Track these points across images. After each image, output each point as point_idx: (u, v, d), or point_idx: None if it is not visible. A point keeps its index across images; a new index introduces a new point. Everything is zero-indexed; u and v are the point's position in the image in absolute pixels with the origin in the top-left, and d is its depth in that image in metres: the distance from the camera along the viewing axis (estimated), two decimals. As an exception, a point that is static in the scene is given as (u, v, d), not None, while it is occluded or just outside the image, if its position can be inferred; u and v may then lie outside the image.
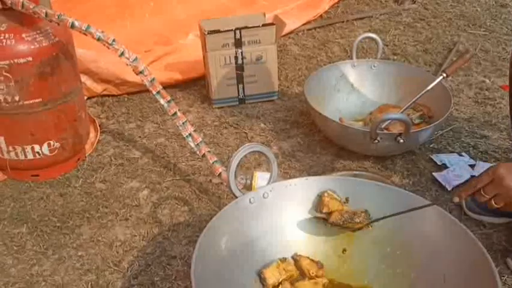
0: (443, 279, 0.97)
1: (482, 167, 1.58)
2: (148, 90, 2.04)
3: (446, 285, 0.97)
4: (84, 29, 1.35)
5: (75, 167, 1.69)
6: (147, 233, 1.44)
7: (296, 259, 1.11)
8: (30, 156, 1.55)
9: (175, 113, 1.47)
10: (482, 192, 0.96)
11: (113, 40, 1.38)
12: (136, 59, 1.42)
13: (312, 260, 1.11)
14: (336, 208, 1.11)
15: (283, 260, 1.10)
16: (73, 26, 1.35)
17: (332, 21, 2.72)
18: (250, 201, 1.09)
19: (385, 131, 1.57)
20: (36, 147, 1.55)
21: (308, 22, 2.68)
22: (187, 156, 1.74)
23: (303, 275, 1.09)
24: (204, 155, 1.47)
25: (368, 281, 1.10)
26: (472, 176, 1.55)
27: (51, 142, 1.56)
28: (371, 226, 1.11)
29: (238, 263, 1.04)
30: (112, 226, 1.47)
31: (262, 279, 1.07)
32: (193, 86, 2.15)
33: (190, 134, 1.48)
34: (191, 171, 1.67)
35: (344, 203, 1.13)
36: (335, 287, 1.08)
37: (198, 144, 1.47)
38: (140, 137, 1.85)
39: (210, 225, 0.99)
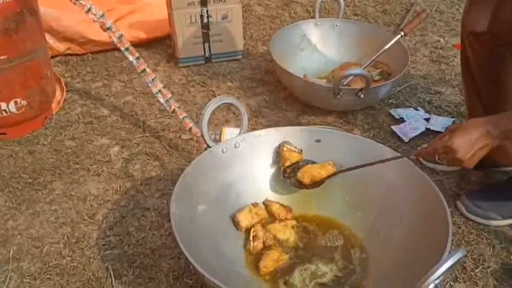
0: (401, 220, 1.07)
1: (436, 120, 1.69)
2: (113, 49, 2.09)
3: (403, 225, 1.07)
4: (50, -17, 1.34)
5: (43, 125, 1.69)
6: (120, 187, 1.48)
7: (267, 204, 1.19)
8: (-3, 114, 1.55)
9: (144, 70, 1.49)
10: (437, 159, 1.04)
11: (80, -5, 1.38)
12: (102, 15, 1.42)
13: (282, 205, 1.19)
14: (296, 159, 1.18)
15: (255, 205, 1.17)
16: (38, -20, 1.34)
17: (294, -19, 2.75)
18: (222, 151, 1.14)
19: (347, 87, 1.64)
20: (3, 105, 1.54)
21: (271, -18, 2.69)
22: (156, 113, 1.77)
23: (273, 218, 1.17)
24: (174, 111, 1.51)
25: (337, 219, 1.19)
26: (427, 129, 1.65)
27: (18, 100, 1.56)
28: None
29: (213, 208, 1.10)
30: (84, 181, 1.50)
31: (235, 223, 1.14)
32: (158, 45, 2.15)
33: (159, 91, 1.51)
34: (160, 128, 1.70)
35: (299, 153, 1.20)
36: (303, 227, 1.16)
37: (167, 100, 1.51)
38: (107, 95, 1.86)
39: (185, 173, 1.05)
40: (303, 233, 1.16)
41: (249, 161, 1.17)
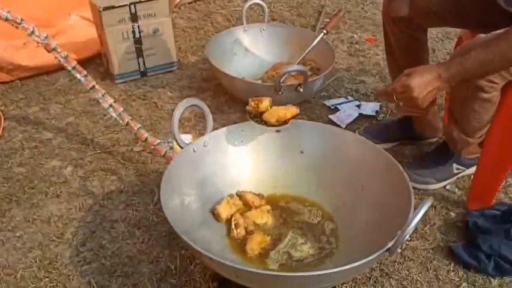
0: (362, 188, 1.21)
1: (366, 106, 1.88)
2: (42, 73, 2.06)
3: (364, 192, 1.21)
4: (-10, 9, 1.33)
5: (-15, 156, 1.64)
6: (82, 205, 1.49)
7: (241, 195, 1.27)
8: None
9: (93, 87, 1.52)
10: (394, 99, 1.20)
11: (22, 19, 1.38)
12: (46, 36, 1.44)
13: (254, 194, 1.28)
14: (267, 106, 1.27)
15: (231, 196, 1.25)
16: (-23, 7, 1.33)
17: (210, -6, 2.86)
18: (194, 150, 1.21)
19: (287, 84, 1.77)
20: None
21: (188, -4, 2.78)
22: (103, 130, 1.79)
23: (248, 206, 1.26)
24: (127, 123, 1.54)
25: (305, 197, 1.31)
26: (360, 114, 1.83)
27: (-40, 131, 1.51)
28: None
29: (193, 203, 1.17)
30: (44, 204, 1.48)
31: (216, 215, 1.21)
32: (89, 65, 2.15)
33: (110, 105, 1.54)
34: (110, 144, 1.72)
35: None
36: (278, 211, 1.27)
37: (119, 114, 1.54)
38: (47, 118, 1.84)
39: (166, 174, 1.11)
40: (278, 215, 1.26)
41: (218, 157, 1.26)
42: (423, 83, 1.15)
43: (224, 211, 1.20)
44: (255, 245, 1.15)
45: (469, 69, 1.15)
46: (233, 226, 1.18)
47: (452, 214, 1.45)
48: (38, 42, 1.43)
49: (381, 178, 1.18)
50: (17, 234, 1.39)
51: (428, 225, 1.41)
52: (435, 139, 1.70)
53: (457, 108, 1.45)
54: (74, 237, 1.38)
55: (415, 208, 0.96)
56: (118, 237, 1.38)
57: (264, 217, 1.22)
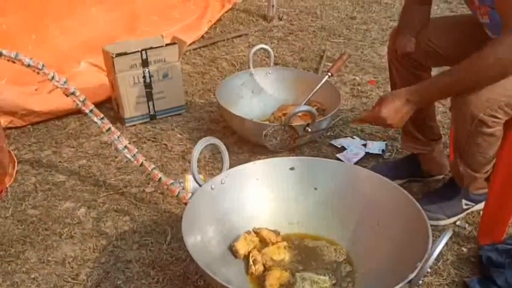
0: (377, 224, 1.23)
1: (372, 144, 1.92)
2: (53, 118, 2.11)
3: (380, 228, 1.23)
4: (13, 56, 1.39)
5: (-1, 199, 1.66)
6: (96, 246, 1.50)
7: (257, 231, 1.29)
8: (-45, 191, 1.51)
9: (109, 129, 1.56)
10: (372, 124, 1.33)
11: (43, 65, 1.44)
12: (65, 81, 1.49)
13: (269, 230, 1.30)
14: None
15: (248, 232, 1.27)
16: (1, 54, 1.38)
17: (214, 40, 2.96)
18: (211, 188, 1.24)
19: (295, 124, 1.82)
20: (-38, 181, 1.51)
21: (193, 43, 2.88)
22: (114, 172, 1.82)
23: (265, 243, 1.27)
24: (141, 164, 1.57)
25: (321, 235, 1.33)
26: (367, 153, 1.87)
27: (-23, 174, 1.53)
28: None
29: (212, 240, 1.19)
30: (58, 246, 1.49)
31: (234, 252, 1.23)
32: (99, 109, 2.16)
33: (125, 146, 1.57)
34: (122, 185, 1.75)
35: None
36: (294, 247, 1.28)
37: (134, 155, 1.57)
38: (60, 162, 1.87)
39: (186, 212, 1.13)
40: (295, 252, 1.28)
41: (235, 194, 1.28)
42: (393, 110, 1.28)
43: (242, 247, 1.22)
44: (273, 280, 1.16)
45: (440, 89, 1.27)
46: (251, 262, 1.20)
47: (464, 249, 1.47)
48: (57, 87, 1.47)
49: (397, 213, 1.20)
50: (32, 276, 1.39)
51: (441, 261, 1.43)
52: (441, 176, 1.73)
53: (461, 143, 1.48)
54: (88, 278, 1.38)
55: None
56: (133, 277, 1.39)
57: (281, 253, 1.24)
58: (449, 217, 1.55)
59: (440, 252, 1.43)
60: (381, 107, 1.30)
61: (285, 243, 1.28)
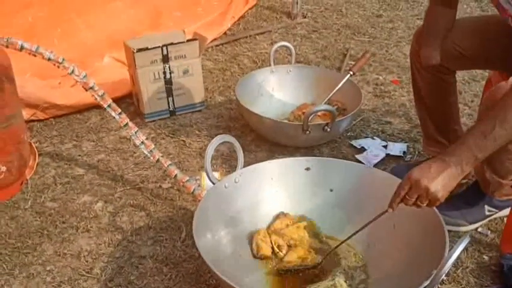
0: (393, 227, 1.20)
1: (393, 146, 1.88)
2: (75, 112, 2.13)
3: (396, 231, 1.19)
4: (34, 49, 1.40)
5: (19, 190, 1.68)
6: (111, 240, 1.50)
7: (271, 231, 1.28)
8: (-24, 182, 1.53)
9: (127, 124, 1.56)
10: (407, 197, 1.09)
11: (63, 59, 1.45)
12: (85, 75, 1.50)
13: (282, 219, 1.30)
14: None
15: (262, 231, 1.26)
16: (22, 47, 1.40)
17: (237, 37, 2.94)
18: (225, 186, 1.23)
19: (314, 123, 1.79)
20: (-17, 173, 1.53)
21: (215, 39, 2.87)
22: (132, 167, 1.82)
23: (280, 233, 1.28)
24: (158, 160, 1.57)
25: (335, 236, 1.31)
26: (387, 154, 1.83)
27: (-2, 166, 1.56)
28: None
29: (224, 239, 1.18)
30: (74, 239, 1.50)
31: (257, 251, 1.24)
32: (120, 104, 2.17)
33: (142, 142, 1.58)
34: (139, 180, 1.75)
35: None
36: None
37: (151, 150, 1.58)
38: (79, 155, 1.89)
39: (198, 210, 1.12)
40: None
41: (249, 193, 1.27)
42: (442, 184, 1.06)
43: (263, 246, 1.22)
44: (294, 257, 1.16)
45: (482, 148, 1.05)
46: (276, 250, 1.19)
47: (485, 257, 1.42)
48: (77, 81, 1.48)
49: (413, 216, 1.17)
50: (47, 269, 1.40)
51: (461, 269, 1.38)
52: (465, 181, 1.68)
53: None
54: (102, 273, 1.39)
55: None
56: (146, 273, 1.39)
57: (300, 232, 1.24)
58: (470, 223, 1.50)
59: (459, 260, 1.40)
60: (413, 169, 1.08)
61: (305, 223, 1.27)
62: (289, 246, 1.23)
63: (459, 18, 1.52)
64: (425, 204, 1.10)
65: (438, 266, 0.91)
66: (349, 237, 1.19)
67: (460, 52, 1.45)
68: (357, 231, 1.16)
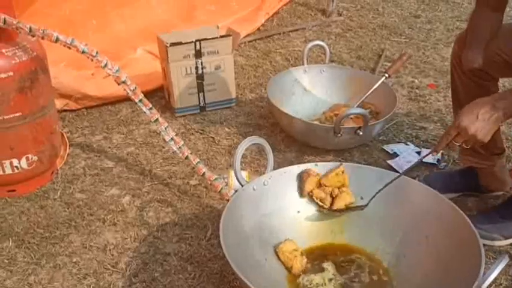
0: (426, 239, 1.16)
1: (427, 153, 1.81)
2: (107, 103, 2.14)
3: (429, 243, 1.15)
4: (69, 42, 1.41)
5: (50, 180, 1.70)
6: (137, 235, 1.50)
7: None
8: (8, 171, 1.55)
9: (157, 119, 1.55)
10: (454, 142, 1.16)
11: (97, 52, 1.45)
12: (118, 69, 1.49)
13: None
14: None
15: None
16: (57, 39, 1.40)
17: (270, 33, 2.92)
18: (253, 189, 1.21)
19: (346, 126, 1.76)
20: (15, 162, 1.55)
21: (248, 35, 2.85)
22: (161, 162, 1.82)
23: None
24: (187, 157, 1.56)
25: (363, 246, 1.28)
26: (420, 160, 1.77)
27: (30, 156, 1.57)
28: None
29: (250, 241, 1.16)
30: (101, 232, 1.51)
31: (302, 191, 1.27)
32: (151, 97, 2.21)
33: (172, 138, 1.56)
34: (167, 176, 1.75)
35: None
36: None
37: (180, 147, 1.57)
38: (109, 147, 1.90)
39: (225, 212, 1.10)
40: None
41: (277, 197, 1.25)
42: (476, 117, 1.12)
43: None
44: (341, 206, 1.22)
45: None
46: (319, 203, 1.23)
47: (520, 274, 1.37)
48: (109, 75, 1.48)
49: (447, 230, 1.13)
50: (74, 260, 1.42)
51: (493, 286, 1.33)
52: (501, 193, 1.62)
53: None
54: (127, 267, 1.39)
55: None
56: (170, 270, 1.38)
57: (340, 179, 1.27)
58: (506, 238, 1.44)
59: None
60: (460, 117, 1.14)
61: (342, 168, 1.29)
62: (332, 196, 1.27)
63: (505, 23, 1.45)
64: (469, 146, 1.18)
65: (473, 285, 0.86)
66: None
67: (504, 59, 1.39)
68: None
